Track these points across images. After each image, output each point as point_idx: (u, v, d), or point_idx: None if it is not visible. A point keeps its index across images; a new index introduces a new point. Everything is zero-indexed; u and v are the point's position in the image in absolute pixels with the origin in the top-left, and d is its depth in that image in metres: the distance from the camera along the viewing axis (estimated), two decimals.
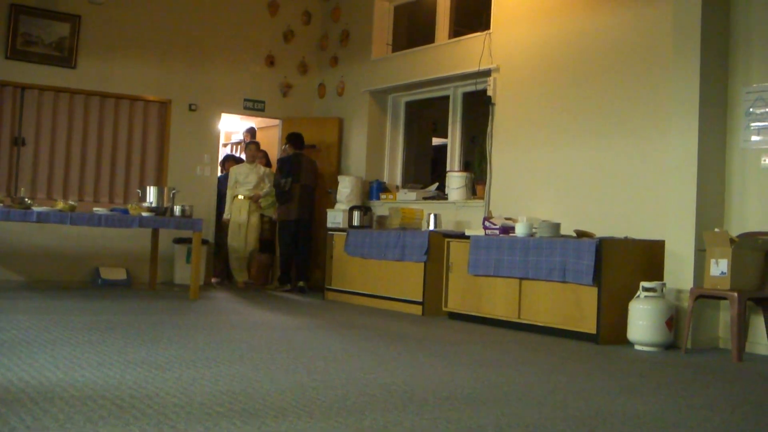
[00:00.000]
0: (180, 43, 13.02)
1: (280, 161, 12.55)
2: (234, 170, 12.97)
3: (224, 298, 11.04)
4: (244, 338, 7.21)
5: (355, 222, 11.56)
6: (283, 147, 12.87)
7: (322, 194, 13.02)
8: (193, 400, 4.51)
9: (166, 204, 10.82)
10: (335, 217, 11.94)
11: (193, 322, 8.20)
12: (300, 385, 5.11)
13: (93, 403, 4.29)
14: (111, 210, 10.53)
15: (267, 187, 12.88)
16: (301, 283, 12.34)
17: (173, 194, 10.93)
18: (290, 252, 12.45)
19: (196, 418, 4.08)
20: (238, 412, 4.27)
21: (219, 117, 13.58)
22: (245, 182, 12.80)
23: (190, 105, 13.09)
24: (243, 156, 14.69)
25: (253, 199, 12.78)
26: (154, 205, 10.72)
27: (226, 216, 12.78)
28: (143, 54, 12.76)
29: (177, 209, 10.82)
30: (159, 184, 12.27)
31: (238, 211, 12.73)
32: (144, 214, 10.42)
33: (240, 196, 12.76)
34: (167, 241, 12.41)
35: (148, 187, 11.05)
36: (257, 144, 13.57)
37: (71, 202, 10.38)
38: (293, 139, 12.72)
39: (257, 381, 5.18)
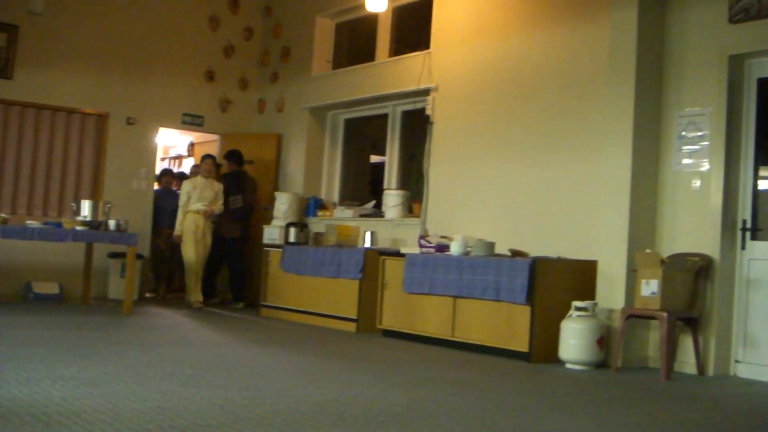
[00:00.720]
0: (119, 56, 12.89)
1: (225, 178, 12.51)
2: (187, 184, 12.28)
3: (158, 313, 10.94)
4: (177, 354, 7.17)
5: (292, 238, 11.52)
6: (221, 165, 12.84)
7: (259, 210, 12.98)
8: (121, 416, 4.48)
9: (100, 218, 10.70)
10: (272, 234, 11.89)
11: (125, 338, 8.13)
12: (230, 402, 5.09)
13: (18, 420, 4.24)
14: (44, 223, 10.38)
15: (220, 203, 12.25)
16: (240, 305, 12.42)
17: (108, 208, 10.82)
18: (218, 268, 12.75)
19: None
20: (166, 429, 4.24)
21: (157, 131, 13.45)
22: (201, 197, 12.10)
23: (127, 118, 12.95)
24: (188, 171, 14.63)
25: (207, 215, 12.10)
26: (88, 218, 10.59)
27: (177, 232, 12.08)
28: (81, 66, 12.61)
29: (112, 223, 10.68)
30: (94, 197, 12.10)
31: (194, 226, 12.04)
32: (78, 227, 10.32)
33: (193, 212, 12.06)
34: (101, 256, 12.26)
35: (82, 201, 10.91)
36: (214, 158, 12.69)
37: (3, 215, 10.25)
38: (235, 157, 12.76)
39: (187, 397, 5.15)
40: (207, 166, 12.39)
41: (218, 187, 12.33)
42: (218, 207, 12.20)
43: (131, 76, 12.97)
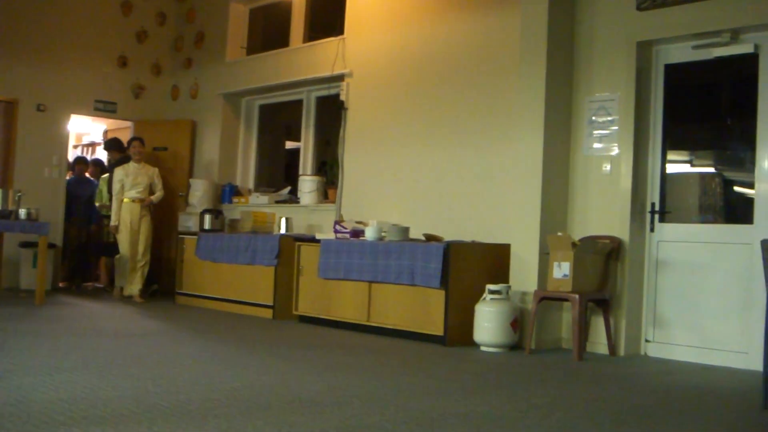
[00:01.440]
0: (28, 40, 12.62)
1: (112, 168, 12.32)
2: (119, 171, 11.60)
3: (72, 303, 10.78)
4: (90, 345, 7.07)
5: (207, 225, 11.44)
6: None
7: (174, 197, 12.86)
8: (31, 408, 4.41)
9: (11, 207, 10.50)
10: (186, 221, 11.81)
11: (37, 329, 7.99)
12: (143, 392, 5.05)
13: None
14: None
15: (159, 188, 11.74)
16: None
17: (19, 197, 10.61)
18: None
19: (34, 428, 4.00)
20: (77, 420, 4.20)
21: (68, 118, 13.21)
22: (134, 184, 11.51)
23: (38, 105, 12.71)
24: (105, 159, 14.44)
25: (145, 203, 11.55)
26: None
27: (113, 222, 11.50)
28: None
29: (23, 212, 10.47)
30: (4, 186, 11.86)
31: (129, 215, 11.44)
32: None
33: (128, 200, 11.47)
34: (13, 245, 12.03)
35: None
36: (141, 140, 11.99)
37: None
38: (115, 145, 12.80)
39: (100, 388, 5.10)
40: (135, 148, 11.79)
41: (153, 171, 11.83)
42: (157, 195, 11.72)
43: (41, 61, 12.72)
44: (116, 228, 11.52)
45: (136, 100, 13.80)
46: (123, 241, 11.49)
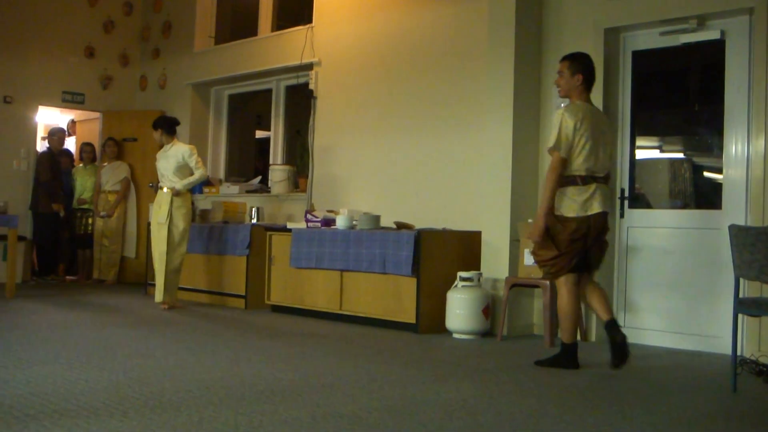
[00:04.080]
0: None
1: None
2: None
3: (42, 296, 10.72)
4: (61, 337, 7.04)
5: None
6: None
7: (144, 187, 12.82)
8: (2, 403, 4.41)
9: None
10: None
11: (6, 322, 7.95)
12: (115, 384, 5.04)
13: None
14: None
15: (196, 169, 9.66)
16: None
17: None
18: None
19: (4, 422, 3.98)
20: (48, 413, 4.19)
21: (36, 110, 13.14)
22: (160, 171, 9.76)
23: (4, 97, 12.62)
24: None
25: (173, 192, 9.56)
26: None
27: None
28: None
29: None
30: None
31: (158, 207, 9.70)
32: None
33: (163, 188, 9.69)
34: None
35: None
36: (163, 124, 9.93)
37: None
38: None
39: (71, 381, 5.09)
40: (155, 135, 9.91)
41: (183, 150, 9.70)
42: (188, 178, 9.64)
43: (7, 52, 12.63)
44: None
45: (104, 91, 13.73)
46: (154, 239, 9.76)
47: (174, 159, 9.62)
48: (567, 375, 5.99)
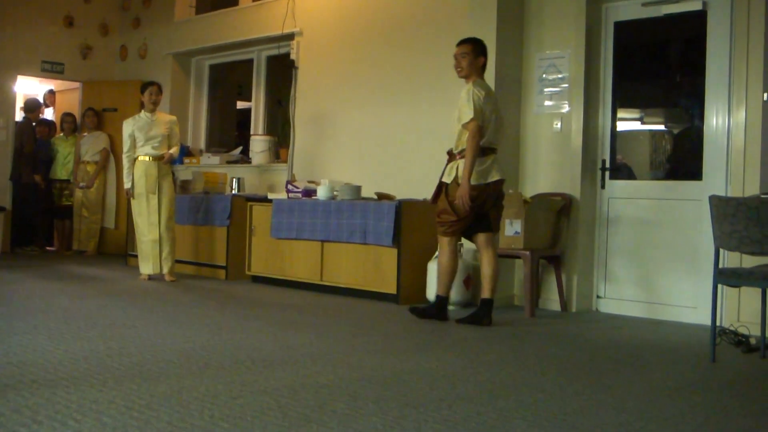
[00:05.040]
0: None
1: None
2: (129, 123, 9.56)
3: (22, 267, 10.67)
4: (40, 308, 7.00)
5: None
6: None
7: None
8: None
9: None
10: None
11: None
12: (95, 354, 5.02)
13: None
14: None
15: (176, 142, 9.65)
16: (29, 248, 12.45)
17: None
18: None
19: None
20: (27, 383, 4.16)
21: (15, 80, 13.04)
22: (148, 137, 9.41)
23: None
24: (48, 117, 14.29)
25: (163, 160, 9.41)
26: None
27: (126, 185, 9.50)
28: None
29: None
30: None
31: (145, 176, 9.38)
32: None
33: (144, 157, 9.41)
34: None
35: None
36: (159, 86, 9.75)
37: None
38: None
39: (50, 351, 5.06)
40: (152, 96, 9.59)
41: (169, 120, 9.71)
42: (174, 150, 9.64)
43: None
44: (129, 192, 9.49)
45: (84, 61, 13.63)
46: (139, 211, 9.48)
47: (165, 126, 9.53)
48: (546, 345, 6.02)
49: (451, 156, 6.98)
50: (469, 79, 6.92)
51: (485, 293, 6.89)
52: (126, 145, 9.51)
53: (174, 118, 9.87)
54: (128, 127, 9.52)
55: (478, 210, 6.84)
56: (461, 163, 6.76)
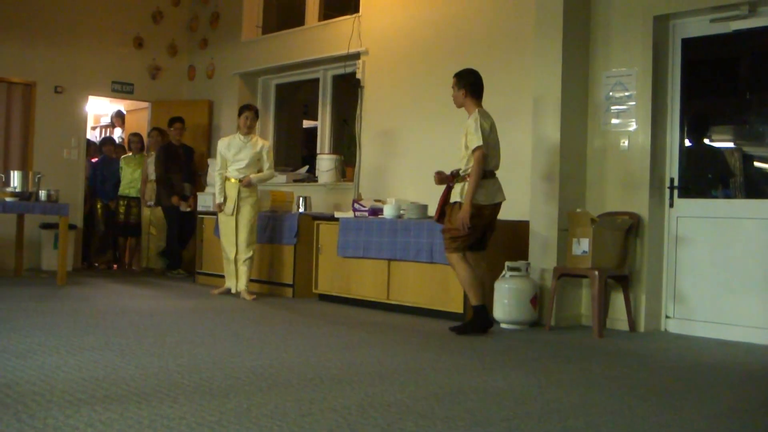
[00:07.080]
0: (45, 23, 12.66)
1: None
2: (223, 142, 9.82)
3: (93, 284, 10.82)
4: (111, 324, 7.11)
5: None
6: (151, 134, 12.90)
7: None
8: (54, 387, 4.45)
9: (31, 189, 10.53)
10: (205, 201, 11.81)
11: (59, 309, 8.05)
12: (165, 370, 5.08)
13: None
14: None
15: (267, 167, 9.78)
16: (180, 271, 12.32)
17: (38, 178, 10.65)
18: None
19: (57, 406, 4.03)
20: (100, 398, 4.23)
21: (86, 100, 13.30)
22: (235, 159, 9.64)
23: (55, 87, 12.78)
24: (116, 138, 14.55)
25: (243, 183, 9.60)
26: (18, 189, 10.42)
27: (218, 199, 9.74)
28: (6, 34, 12.36)
29: (43, 194, 10.53)
30: (24, 168, 11.93)
31: (228, 198, 9.70)
32: (8, 199, 10.16)
33: (229, 178, 9.69)
34: (33, 227, 12.11)
35: (12, 172, 10.70)
36: (256, 111, 9.96)
37: None
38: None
39: (122, 367, 5.13)
40: (247, 120, 9.75)
41: (261, 145, 9.81)
42: (259, 174, 9.74)
43: (58, 43, 12.78)
44: (220, 206, 9.69)
45: (153, 81, 13.84)
46: (223, 228, 9.82)
47: (255, 150, 9.70)
48: (615, 366, 5.97)
49: (460, 177, 7.38)
50: (469, 109, 7.49)
51: (478, 300, 7.25)
52: (217, 163, 9.84)
53: (267, 143, 9.97)
54: (220, 146, 9.80)
55: (485, 228, 7.37)
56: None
